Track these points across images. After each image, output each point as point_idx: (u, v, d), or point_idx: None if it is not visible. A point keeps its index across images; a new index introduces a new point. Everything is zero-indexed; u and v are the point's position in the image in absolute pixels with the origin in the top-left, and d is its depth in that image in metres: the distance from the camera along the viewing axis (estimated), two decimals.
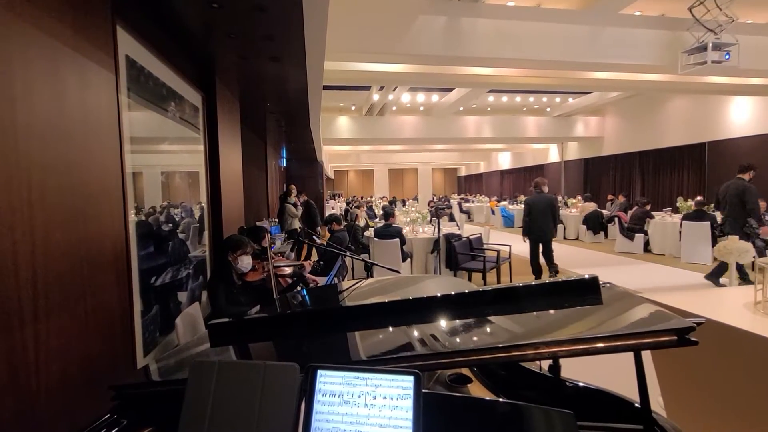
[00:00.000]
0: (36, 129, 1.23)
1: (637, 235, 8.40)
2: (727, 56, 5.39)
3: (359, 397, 0.73)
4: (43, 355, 1.20)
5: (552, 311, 1.17)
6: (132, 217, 2.00)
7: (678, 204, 8.20)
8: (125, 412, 1.03)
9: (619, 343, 0.86)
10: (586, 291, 1.18)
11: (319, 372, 0.76)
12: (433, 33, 5.43)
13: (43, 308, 1.20)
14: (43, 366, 1.20)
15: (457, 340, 1.14)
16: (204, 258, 3.33)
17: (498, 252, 5.98)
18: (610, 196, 11.48)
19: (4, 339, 1.05)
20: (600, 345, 0.86)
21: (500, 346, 0.92)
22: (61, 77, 1.37)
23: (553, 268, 6.21)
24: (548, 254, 6.21)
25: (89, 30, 1.54)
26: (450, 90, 12.07)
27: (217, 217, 3.58)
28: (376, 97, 12.37)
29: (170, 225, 2.68)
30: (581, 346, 0.87)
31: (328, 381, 0.75)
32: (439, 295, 1.25)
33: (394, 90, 11.53)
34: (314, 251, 6.87)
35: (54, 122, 1.32)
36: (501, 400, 0.83)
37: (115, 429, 0.98)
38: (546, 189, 6.19)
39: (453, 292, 1.29)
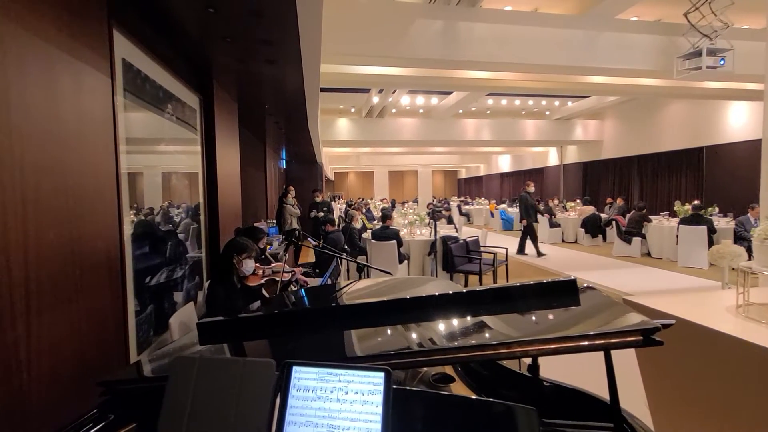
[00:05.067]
0: (30, 131, 1.26)
1: (634, 238, 8.43)
2: (722, 62, 5.43)
3: (332, 392, 0.76)
4: (34, 353, 1.22)
5: (534, 313, 1.21)
6: (130, 217, 2.03)
7: (675, 208, 8.22)
8: (113, 407, 1.05)
9: (588, 343, 0.89)
10: (565, 293, 1.21)
11: (294, 368, 0.79)
12: (431, 37, 5.48)
13: (35, 307, 1.23)
14: (35, 364, 1.23)
15: (437, 339, 1.17)
16: (200, 258, 3.36)
17: (494, 254, 6.01)
18: (608, 200, 11.50)
19: None
20: (569, 344, 0.89)
21: (475, 344, 0.95)
22: (56, 80, 1.40)
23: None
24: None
25: (85, 34, 1.58)
26: (449, 93, 12.12)
27: (214, 218, 3.61)
28: (375, 99, 12.42)
29: (168, 225, 2.71)
30: (552, 346, 0.91)
31: (303, 377, 0.78)
32: (421, 296, 1.28)
33: (394, 92, 11.58)
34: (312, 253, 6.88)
35: (48, 125, 1.35)
36: (468, 396, 0.86)
37: (102, 423, 1.01)
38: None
39: (435, 294, 1.32)
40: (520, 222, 8.69)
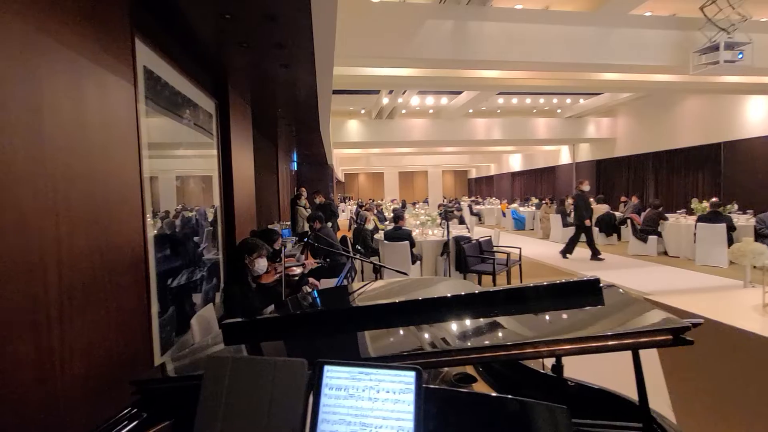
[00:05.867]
0: (61, 139, 1.30)
1: (650, 237, 8.29)
2: (740, 55, 5.32)
3: (363, 391, 0.77)
4: (67, 354, 1.26)
5: (554, 312, 1.20)
6: (149, 221, 2.08)
7: (692, 206, 8.06)
8: (145, 406, 1.09)
9: (615, 342, 0.89)
10: (588, 292, 1.20)
11: (326, 367, 0.80)
12: (441, 37, 5.48)
13: (67, 309, 1.27)
14: (68, 365, 1.26)
15: (460, 340, 1.18)
16: (217, 260, 3.42)
17: (508, 254, 5.96)
18: (623, 198, 11.33)
19: (32, 338, 1.12)
20: (597, 344, 0.89)
21: (500, 344, 0.96)
22: (83, 89, 1.45)
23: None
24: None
25: (110, 43, 1.62)
26: (459, 92, 12.08)
27: (229, 220, 3.67)
28: (385, 100, 12.45)
29: (185, 228, 2.76)
30: (578, 345, 0.90)
31: (335, 376, 0.80)
32: (443, 296, 1.29)
33: (404, 93, 11.59)
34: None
35: (77, 132, 1.40)
36: (498, 394, 0.86)
37: (136, 422, 1.04)
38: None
39: (457, 294, 1.32)
40: (575, 223, 8.21)
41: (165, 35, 2.36)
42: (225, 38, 2.66)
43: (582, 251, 9.22)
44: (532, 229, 13.56)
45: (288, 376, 0.81)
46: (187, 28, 2.44)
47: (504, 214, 15.45)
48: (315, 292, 2.82)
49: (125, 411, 1.05)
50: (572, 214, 8.50)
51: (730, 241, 6.75)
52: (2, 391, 1.02)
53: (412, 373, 0.77)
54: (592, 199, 12.26)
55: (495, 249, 6.43)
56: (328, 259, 4.43)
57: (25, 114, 1.15)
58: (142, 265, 1.84)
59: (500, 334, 1.14)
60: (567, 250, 8.29)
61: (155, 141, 2.22)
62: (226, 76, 3.45)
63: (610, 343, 0.87)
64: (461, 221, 10.24)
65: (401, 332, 1.25)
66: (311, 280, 3.27)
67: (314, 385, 0.79)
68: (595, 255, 8.00)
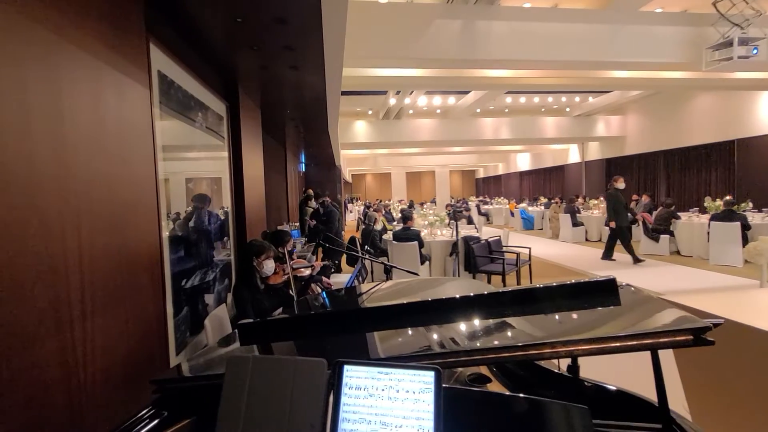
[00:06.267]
0: (81, 142, 1.33)
1: (662, 236, 8.18)
2: (755, 51, 5.23)
3: (383, 390, 0.78)
4: (89, 354, 1.29)
5: (570, 313, 1.20)
6: (164, 222, 2.11)
7: (706, 204, 7.94)
8: (165, 404, 1.10)
9: (635, 343, 0.88)
10: (604, 292, 1.19)
11: (346, 367, 0.81)
12: (449, 37, 5.47)
13: (89, 309, 1.30)
14: (90, 364, 1.29)
15: (475, 340, 1.18)
16: (229, 261, 3.45)
17: (518, 254, 5.93)
18: (634, 197, 11.19)
19: (57, 338, 1.15)
20: (616, 344, 0.89)
21: (518, 344, 0.96)
22: (102, 94, 1.47)
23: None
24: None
25: (126, 48, 1.65)
26: (467, 92, 12.04)
27: (240, 222, 3.70)
28: (392, 101, 12.46)
29: (197, 229, 2.80)
30: (598, 345, 0.90)
31: (354, 375, 0.80)
32: (457, 296, 1.29)
33: (411, 94, 11.59)
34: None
35: (97, 136, 1.42)
36: (518, 394, 0.86)
37: (157, 420, 1.06)
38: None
39: (471, 294, 1.32)
40: (607, 225, 7.60)
41: (178, 39, 2.39)
42: (236, 41, 2.68)
43: (590, 251, 9.12)
44: (541, 229, 13.46)
45: (308, 375, 0.82)
46: (199, 32, 2.47)
47: (512, 214, 15.37)
48: (324, 293, 2.83)
49: (146, 409, 1.07)
50: (605, 216, 7.76)
51: (745, 240, 6.63)
52: (32, 387, 1.04)
53: (432, 373, 0.77)
54: (600, 197, 12.15)
55: (504, 249, 6.40)
56: (337, 262, 4.45)
57: (49, 120, 1.18)
58: (158, 265, 1.87)
59: (516, 335, 1.14)
60: (606, 257, 7.73)
61: (169, 144, 2.25)
62: (236, 78, 3.48)
63: (630, 343, 0.87)
64: (470, 221, 10.21)
65: (414, 334, 1.26)
66: (324, 279, 3.29)
67: (334, 385, 0.80)
68: (636, 260, 7.34)
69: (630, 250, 7.43)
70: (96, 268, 1.35)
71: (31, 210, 1.08)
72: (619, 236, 7.42)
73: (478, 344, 1.08)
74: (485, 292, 1.32)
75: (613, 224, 7.33)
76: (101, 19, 1.47)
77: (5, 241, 0.99)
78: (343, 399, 0.79)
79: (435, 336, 1.20)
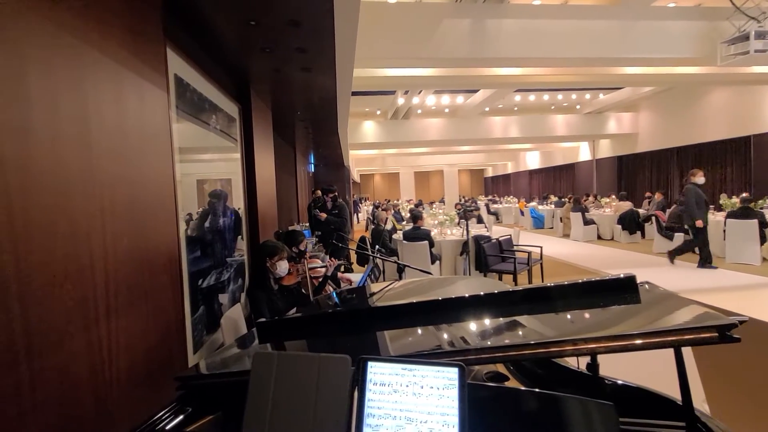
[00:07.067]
0: (105, 146, 1.36)
1: (676, 234, 8.05)
2: None
3: (407, 386, 0.79)
4: (114, 352, 1.32)
5: (589, 311, 1.19)
6: (182, 223, 2.15)
7: (721, 201, 7.80)
8: (189, 401, 1.13)
9: (658, 340, 0.88)
10: (624, 290, 1.18)
11: (370, 363, 0.82)
12: (459, 36, 5.46)
13: (113, 308, 1.33)
14: (114, 362, 1.32)
15: (494, 338, 1.18)
16: (242, 261, 3.49)
17: (529, 253, 5.90)
18: (647, 194, 11.03)
19: (84, 336, 1.18)
20: (639, 341, 0.88)
21: (539, 341, 0.96)
22: (123, 98, 1.51)
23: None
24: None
25: (146, 53, 1.69)
26: (475, 91, 11.99)
27: (253, 222, 3.74)
28: (401, 101, 12.47)
29: (212, 229, 2.83)
30: (620, 343, 0.90)
31: (378, 372, 0.81)
32: (472, 295, 1.29)
33: (419, 93, 11.58)
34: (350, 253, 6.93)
35: (119, 139, 1.46)
36: (545, 391, 0.86)
37: (182, 416, 1.08)
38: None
39: (487, 292, 1.33)
40: (686, 224, 6.78)
41: (193, 43, 2.43)
42: (249, 44, 2.72)
43: (603, 250, 9.01)
44: (552, 228, 13.34)
45: (332, 371, 0.83)
46: (213, 35, 2.51)
47: (522, 213, 15.25)
48: (334, 293, 2.85)
49: (171, 406, 1.10)
50: (682, 215, 6.85)
51: (763, 238, 6.50)
52: (63, 384, 1.08)
53: (455, 369, 0.78)
54: (613, 195, 12.00)
55: (515, 248, 6.36)
56: (351, 263, 4.47)
57: (75, 123, 1.21)
58: (177, 265, 1.91)
59: (534, 333, 1.14)
60: (703, 264, 6.70)
61: (185, 146, 2.29)
62: (248, 80, 3.52)
63: (653, 340, 0.87)
64: (479, 220, 10.17)
65: (431, 333, 1.27)
66: (344, 275, 3.30)
67: (358, 381, 0.81)
68: (705, 262, 6.60)
69: (705, 251, 6.66)
70: (119, 268, 1.38)
71: (60, 211, 1.12)
72: (699, 236, 6.60)
73: (498, 342, 1.09)
74: (501, 291, 1.32)
75: (700, 223, 6.43)
76: (123, 26, 1.51)
77: (39, 241, 1.02)
78: (368, 395, 0.80)
79: (448, 335, 1.21)
